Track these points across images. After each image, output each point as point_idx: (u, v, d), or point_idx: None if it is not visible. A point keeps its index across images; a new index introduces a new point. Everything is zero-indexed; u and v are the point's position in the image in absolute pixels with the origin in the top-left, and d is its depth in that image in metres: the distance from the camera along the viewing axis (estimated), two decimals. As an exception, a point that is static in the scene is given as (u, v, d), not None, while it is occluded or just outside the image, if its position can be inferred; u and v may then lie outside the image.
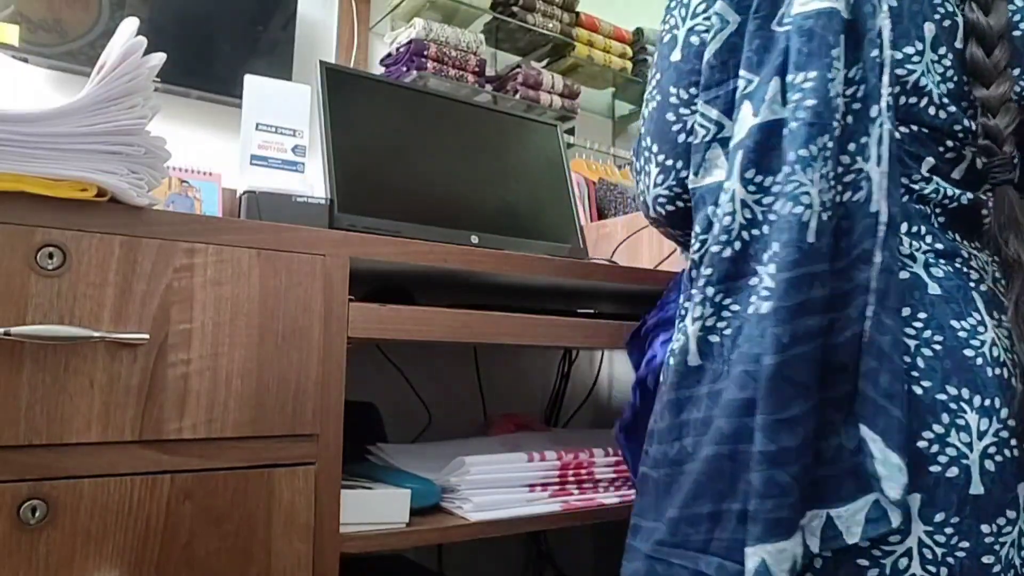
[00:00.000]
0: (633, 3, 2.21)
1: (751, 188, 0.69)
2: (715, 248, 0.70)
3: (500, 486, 1.03)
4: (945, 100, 0.72)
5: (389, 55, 1.73)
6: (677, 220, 0.83)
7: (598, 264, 1.23)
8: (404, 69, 1.66)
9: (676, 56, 0.78)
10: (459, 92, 1.68)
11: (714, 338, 0.70)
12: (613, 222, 1.63)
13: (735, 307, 0.69)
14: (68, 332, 0.71)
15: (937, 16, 0.72)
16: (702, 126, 0.74)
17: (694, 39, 0.77)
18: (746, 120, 0.70)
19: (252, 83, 1.16)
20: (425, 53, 1.65)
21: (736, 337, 0.68)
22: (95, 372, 0.73)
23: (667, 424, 0.71)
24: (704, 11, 0.76)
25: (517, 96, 1.79)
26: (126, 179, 0.75)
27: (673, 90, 0.78)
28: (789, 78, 0.68)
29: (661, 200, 0.82)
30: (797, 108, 0.66)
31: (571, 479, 1.10)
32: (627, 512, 1.14)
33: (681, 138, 0.78)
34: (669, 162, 0.79)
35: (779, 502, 0.61)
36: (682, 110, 0.78)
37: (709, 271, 0.70)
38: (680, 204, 0.82)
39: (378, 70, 1.74)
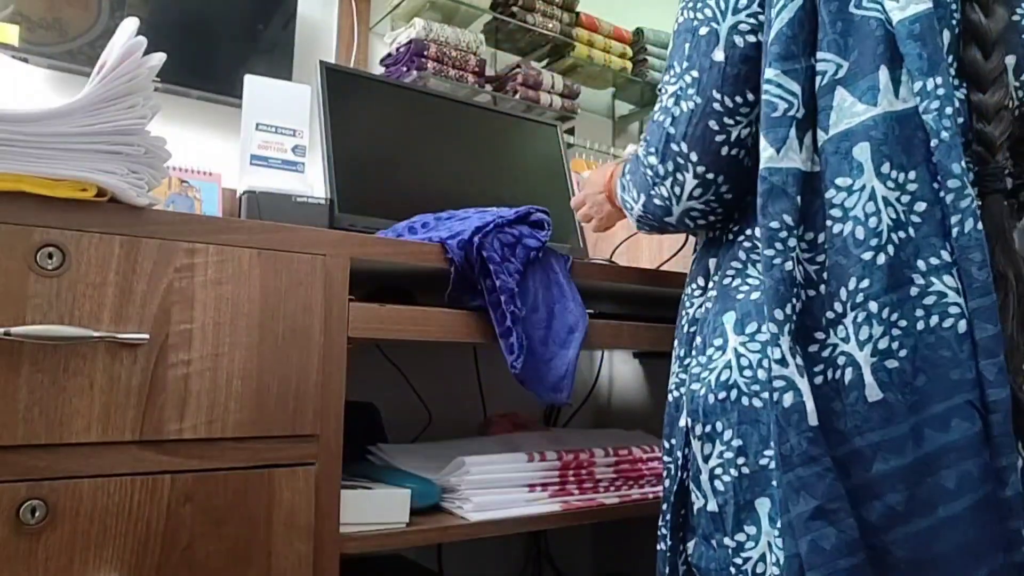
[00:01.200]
0: (633, 3, 2.21)
1: (890, 185, 0.64)
2: (866, 255, 0.63)
3: (500, 486, 1.03)
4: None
5: (389, 55, 1.72)
6: (698, 229, 0.81)
7: (598, 264, 1.23)
8: (404, 69, 1.66)
9: (719, 56, 0.71)
10: (459, 92, 1.68)
11: (892, 363, 0.62)
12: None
13: (902, 323, 0.62)
14: (68, 332, 0.71)
15: (953, 22, 0.69)
16: (782, 98, 0.66)
17: (738, 39, 0.71)
18: (852, 108, 0.65)
19: (252, 83, 1.16)
20: (425, 53, 1.65)
21: (914, 359, 0.61)
22: (95, 372, 0.73)
23: (861, 482, 0.62)
24: (748, 6, 0.70)
25: (517, 96, 1.79)
26: (126, 179, 0.75)
27: (717, 95, 0.71)
28: (905, 78, 0.65)
29: (695, 214, 0.76)
30: (940, 117, 0.63)
31: (571, 479, 1.10)
32: (627, 512, 1.15)
33: (724, 151, 0.72)
34: (711, 175, 0.73)
35: None
36: (727, 120, 0.72)
37: (866, 283, 0.63)
38: (712, 219, 0.78)
39: (378, 70, 1.74)
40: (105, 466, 0.74)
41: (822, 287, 0.66)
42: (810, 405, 0.62)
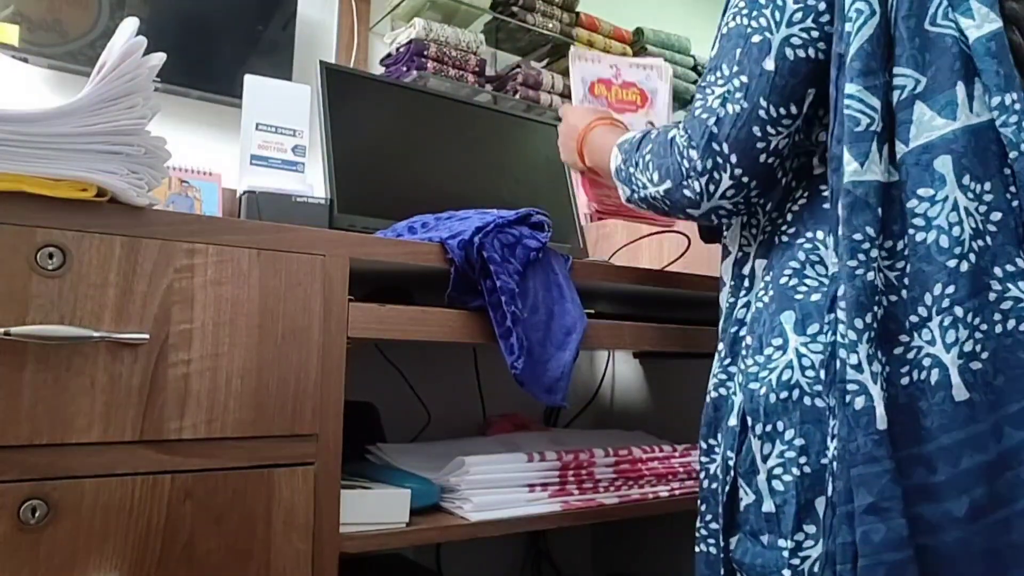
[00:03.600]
0: (633, 3, 2.21)
1: (970, 196, 0.67)
2: (950, 262, 0.66)
3: (500, 486, 1.03)
4: None
5: (389, 55, 1.73)
6: (715, 225, 0.85)
7: (598, 264, 1.23)
8: (404, 69, 1.66)
9: (769, 65, 0.74)
10: (459, 92, 1.69)
11: (976, 365, 0.65)
12: (613, 222, 1.63)
13: (984, 326, 0.66)
14: (69, 332, 0.71)
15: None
16: (864, 113, 0.69)
17: (789, 52, 0.73)
18: (932, 122, 0.68)
19: (252, 83, 1.17)
20: (425, 53, 1.65)
21: (994, 360, 0.65)
22: (96, 372, 0.73)
23: (946, 477, 0.65)
24: (802, 20, 0.73)
25: (517, 96, 1.79)
26: (126, 179, 0.75)
27: (764, 103, 0.74)
28: (978, 93, 0.68)
29: (722, 212, 0.80)
30: (1019, 130, 0.66)
31: (571, 479, 1.10)
32: (627, 512, 1.15)
33: (763, 158, 0.75)
34: (746, 179, 0.76)
35: None
36: (769, 128, 0.75)
37: (951, 289, 0.66)
38: (734, 220, 0.83)
39: (378, 70, 1.74)
40: (106, 465, 0.74)
41: (903, 292, 0.68)
42: (880, 411, 0.65)
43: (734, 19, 0.77)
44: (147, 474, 0.76)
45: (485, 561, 1.57)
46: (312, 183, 1.21)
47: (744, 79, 0.75)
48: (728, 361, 0.81)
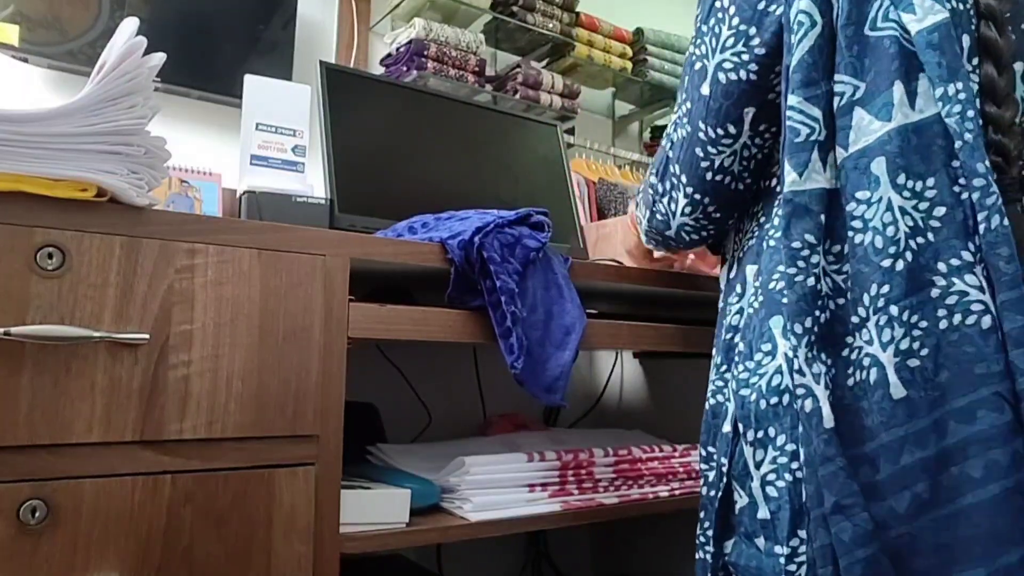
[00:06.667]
0: (633, 3, 2.21)
1: (906, 194, 0.67)
2: (885, 262, 0.67)
3: (500, 486, 1.03)
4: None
5: (389, 55, 1.73)
6: (695, 244, 0.90)
7: (598, 264, 1.23)
8: (404, 69, 1.66)
9: (705, 90, 0.79)
10: (459, 92, 1.68)
11: (914, 362, 0.66)
12: (613, 222, 1.62)
13: (923, 323, 0.66)
14: (69, 332, 0.71)
15: (972, 27, 0.71)
16: (804, 124, 0.70)
17: (721, 76, 0.77)
18: (870, 126, 0.69)
19: (252, 83, 1.16)
20: (425, 53, 1.65)
21: (936, 356, 0.65)
22: (96, 373, 0.73)
23: (887, 475, 0.65)
24: (733, 45, 0.76)
25: (517, 96, 1.79)
26: (126, 179, 0.75)
27: (702, 126, 0.79)
28: (924, 88, 0.68)
29: (688, 229, 0.86)
30: (963, 120, 0.65)
31: (571, 479, 1.10)
32: (626, 512, 1.15)
33: (708, 176, 0.81)
34: (697, 196, 0.82)
35: None
36: (709, 148, 0.79)
37: (886, 288, 0.67)
38: (704, 234, 0.88)
39: (378, 70, 1.74)
40: (106, 466, 0.74)
41: (848, 295, 0.69)
42: (826, 410, 0.66)
43: (689, 48, 0.83)
44: (147, 475, 0.75)
45: (485, 561, 1.57)
46: (312, 183, 1.21)
47: (688, 105, 0.81)
48: (724, 368, 0.81)
